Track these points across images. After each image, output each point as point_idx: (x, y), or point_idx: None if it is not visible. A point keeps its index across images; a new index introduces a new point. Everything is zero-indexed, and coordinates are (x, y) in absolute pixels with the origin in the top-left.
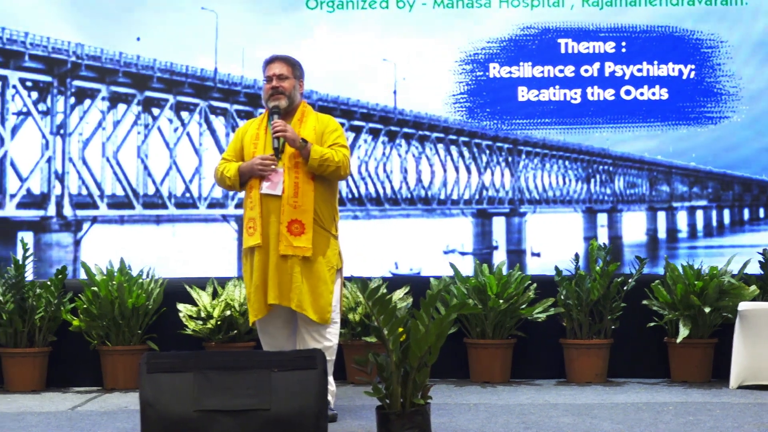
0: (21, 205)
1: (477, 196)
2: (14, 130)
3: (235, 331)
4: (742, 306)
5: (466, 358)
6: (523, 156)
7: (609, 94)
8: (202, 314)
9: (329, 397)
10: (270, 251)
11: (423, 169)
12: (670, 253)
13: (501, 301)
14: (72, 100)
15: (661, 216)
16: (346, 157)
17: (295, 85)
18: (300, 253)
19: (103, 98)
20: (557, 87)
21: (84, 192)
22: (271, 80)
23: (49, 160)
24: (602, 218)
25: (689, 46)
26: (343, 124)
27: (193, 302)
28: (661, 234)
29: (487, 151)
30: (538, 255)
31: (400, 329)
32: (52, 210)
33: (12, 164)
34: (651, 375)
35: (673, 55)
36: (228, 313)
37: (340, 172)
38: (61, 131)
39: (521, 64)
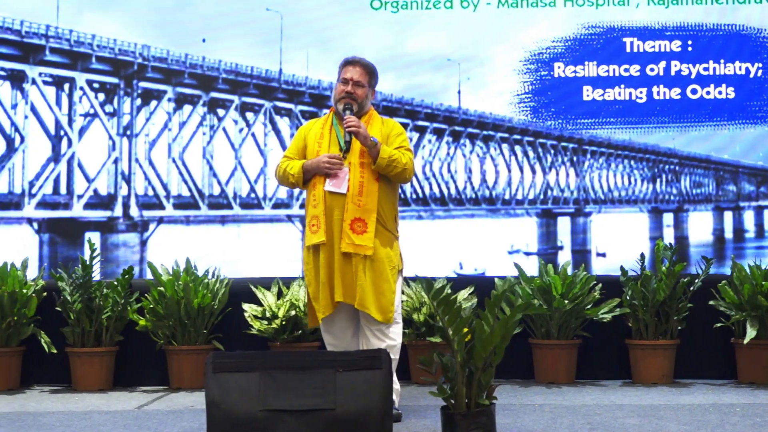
0: (88, 206)
1: (542, 196)
2: (81, 132)
3: (300, 331)
4: None
5: (530, 359)
6: (588, 156)
7: (675, 93)
8: (267, 314)
9: (394, 397)
10: (335, 248)
11: (487, 169)
12: (737, 253)
13: (566, 301)
14: (138, 101)
15: (728, 216)
16: (411, 160)
17: (368, 93)
18: (361, 252)
19: (169, 99)
20: (622, 86)
21: (150, 193)
22: (347, 83)
23: (115, 161)
24: (668, 218)
25: (756, 44)
26: (407, 125)
27: (258, 302)
28: (728, 234)
29: (552, 151)
30: (603, 255)
31: (465, 329)
32: (118, 210)
33: (79, 165)
34: (718, 376)
35: (739, 54)
36: (293, 313)
37: (405, 174)
38: (128, 132)
39: (586, 63)
